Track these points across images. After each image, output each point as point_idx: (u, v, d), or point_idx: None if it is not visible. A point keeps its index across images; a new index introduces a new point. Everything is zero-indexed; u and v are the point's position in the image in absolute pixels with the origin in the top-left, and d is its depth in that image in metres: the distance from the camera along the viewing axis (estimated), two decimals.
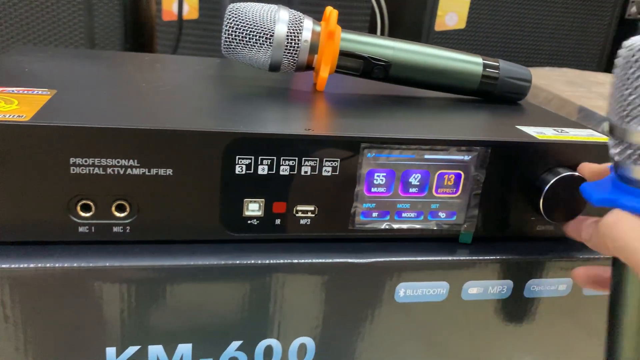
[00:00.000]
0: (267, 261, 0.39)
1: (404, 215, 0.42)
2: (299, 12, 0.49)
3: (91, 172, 0.36)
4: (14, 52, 0.57)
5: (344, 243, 0.42)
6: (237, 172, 0.38)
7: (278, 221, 0.40)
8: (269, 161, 0.38)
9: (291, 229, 0.41)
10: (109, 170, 0.36)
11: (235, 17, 0.47)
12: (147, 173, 0.37)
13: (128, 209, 0.37)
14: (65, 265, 0.36)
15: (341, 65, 0.50)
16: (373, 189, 0.41)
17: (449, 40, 1.25)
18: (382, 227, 0.42)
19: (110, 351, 0.39)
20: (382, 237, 0.43)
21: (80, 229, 0.37)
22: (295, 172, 0.39)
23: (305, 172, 0.39)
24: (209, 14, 1.15)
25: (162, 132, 0.36)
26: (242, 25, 0.47)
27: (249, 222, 0.40)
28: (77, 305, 0.37)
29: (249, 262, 0.39)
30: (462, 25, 1.27)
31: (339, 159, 0.39)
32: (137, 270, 0.37)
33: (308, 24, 0.49)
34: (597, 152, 0.43)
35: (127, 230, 0.38)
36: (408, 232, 0.43)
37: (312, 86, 0.54)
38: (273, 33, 0.47)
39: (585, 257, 0.45)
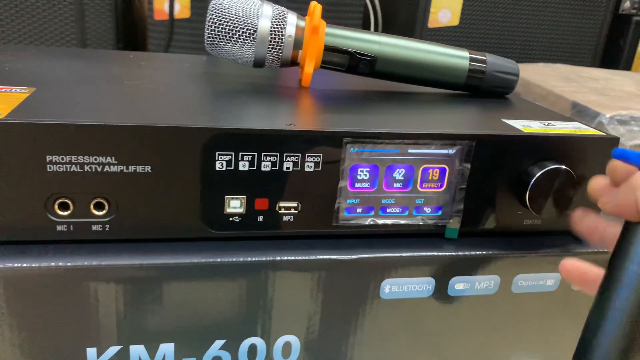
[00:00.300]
0: (250, 259, 0.39)
1: (388, 210, 0.42)
2: (282, 7, 0.48)
3: (68, 169, 0.35)
4: None
5: (328, 240, 0.42)
6: (217, 168, 0.37)
7: (260, 218, 0.40)
8: (250, 157, 0.38)
9: (274, 226, 0.40)
10: (87, 168, 0.36)
11: (218, 13, 0.47)
12: (125, 170, 0.36)
13: (107, 207, 0.37)
14: (43, 264, 0.36)
15: (326, 60, 0.50)
16: (357, 185, 0.40)
17: (443, 37, 1.25)
18: (367, 222, 0.42)
19: (91, 352, 0.38)
20: (366, 233, 0.42)
21: (59, 228, 0.37)
22: (277, 168, 0.38)
23: (287, 167, 0.39)
24: (200, 13, 1.15)
25: (139, 129, 0.35)
26: (224, 21, 0.47)
27: (230, 219, 0.39)
28: (55, 306, 0.37)
29: (231, 260, 0.39)
30: (455, 22, 1.26)
31: (321, 155, 0.39)
32: (118, 270, 0.37)
33: (292, 19, 0.48)
34: (584, 145, 0.42)
35: (107, 229, 0.37)
36: (393, 228, 0.42)
37: (298, 82, 0.54)
38: (256, 28, 0.47)
39: (574, 251, 0.44)
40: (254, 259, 0.39)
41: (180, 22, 1.15)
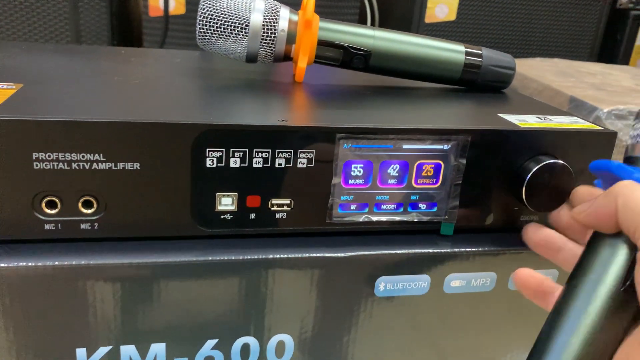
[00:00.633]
0: (242, 257, 0.38)
1: (383, 207, 0.41)
2: (275, 1, 0.48)
3: (55, 167, 0.35)
4: None
5: (322, 237, 0.41)
6: (208, 165, 0.37)
7: (252, 215, 0.39)
8: (241, 153, 0.37)
9: (266, 224, 0.39)
10: (74, 165, 0.35)
11: (210, 7, 0.46)
12: (113, 167, 0.35)
13: (95, 205, 0.36)
14: (31, 264, 0.35)
15: (320, 55, 0.49)
16: (350, 181, 0.40)
17: (439, 32, 1.24)
18: (361, 219, 0.41)
19: (81, 352, 0.38)
20: (361, 230, 0.41)
21: (47, 227, 0.36)
22: (269, 165, 0.38)
23: (280, 164, 0.38)
24: (195, 9, 1.14)
25: (128, 125, 0.35)
26: (216, 15, 0.46)
27: (222, 217, 0.38)
28: (44, 306, 0.36)
29: (223, 258, 0.38)
30: (452, 17, 1.26)
31: (314, 151, 0.38)
32: (107, 269, 0.36)
33: (285, 13, 0.47)
34: (580, 139, 0.42)
35: (95, 227, 0.37)
36: (387, 225, 0.41)
37: (291, 77, 0.53)
38: (248, 23, 0.46)
39: None
40: (246, 258, 0.38)
41: (175, 19, 1.15)
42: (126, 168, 0.36)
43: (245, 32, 0.46)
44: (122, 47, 0.83)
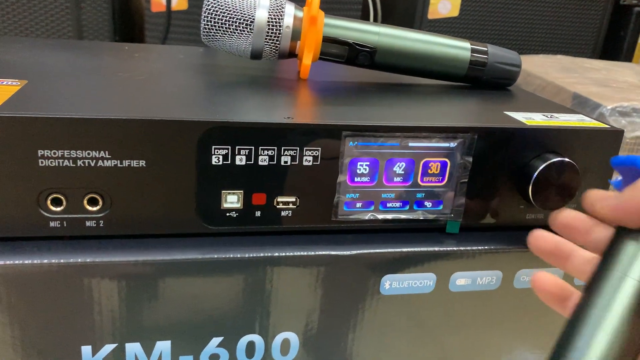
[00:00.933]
0: (248, 255, 0.38)
1: (388, 205, 0.41)
2: None
3: (61, 164, 0.35)
4: None
5: (327, 235, 0.41)
6: (213, 162, 0.37)
7: (258, 213, 0.39)
8: (247, 151, 0.37)
9: (272, 221, 0.39)
10: (80, 163, 0.35)
11: (214, 3, 0.46)
12: (119, 165, 0.35)
13: (101, 203, 0.36)
14: (36, 261, 0.35)
15: (325, 51, 0.49)
16: (356, 179, 0.40)
17: (442, 28, 1.24)
18: (367, 217, 0.41)
19: (86, 350, 0.37)
20: (366, 228, 0.41)
21: (52, 224, 0.36)
22: (274, 162, 0.38)
23: (285, 162, 0.38)
24: (198, 5, 1.14)
25: (134, 122, 0.35)
26: (221, 12, 0.46)
27: (227, 214, 0.38)
28: (49, 303, 0.36)
29: (228, 256, 0.38)
30: (455, 13, 1.25)
31: (320, 148, 0.38)
32: (112, 266, 0.36)
33: (290, 9, 0.47)
34: (587, 137, 0.42)
35: (101, 225, 0.37)
36: (393, 223, 0.41)
37: (296, 74, 0.53)
38: (253, 19, 0.46)
39: None
40: (251, 255, 0.38)
41: (178, 14, 1.14)
42: (131, 165, 0.35)
43: (250, 29, 0.46)
44: (125, 43, 0.83)
